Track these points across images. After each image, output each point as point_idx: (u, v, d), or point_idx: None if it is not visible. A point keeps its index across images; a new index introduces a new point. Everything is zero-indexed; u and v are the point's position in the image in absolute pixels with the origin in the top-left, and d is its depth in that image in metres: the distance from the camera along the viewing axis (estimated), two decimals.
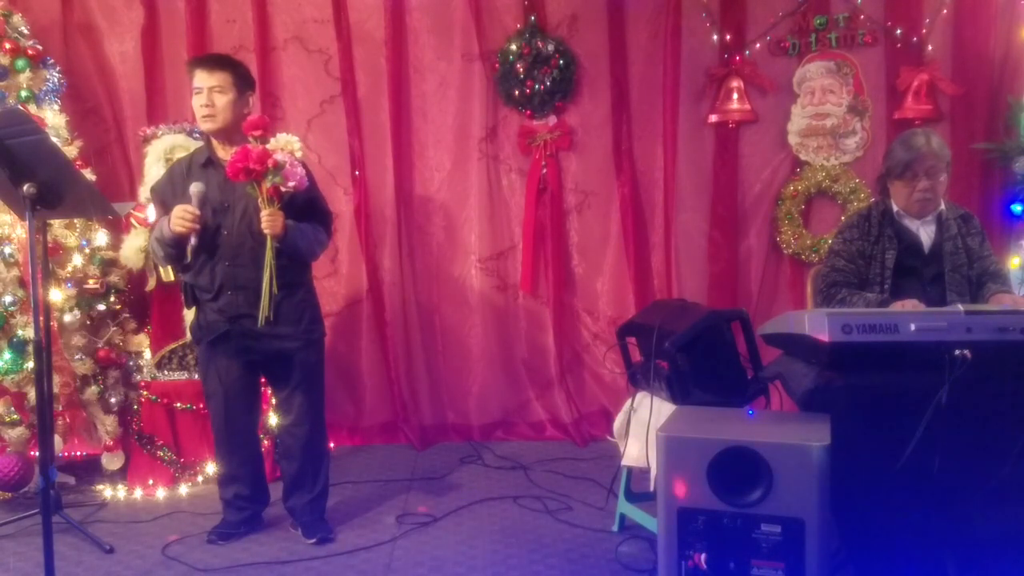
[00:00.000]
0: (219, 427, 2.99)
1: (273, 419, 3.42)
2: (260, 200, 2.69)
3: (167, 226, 2.74)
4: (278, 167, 2.64)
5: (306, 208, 2.86)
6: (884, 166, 2.84)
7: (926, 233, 2.81)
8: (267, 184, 2.65)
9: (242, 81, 2.88)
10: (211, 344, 2.89)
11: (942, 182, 2.75)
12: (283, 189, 2.68)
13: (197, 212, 2.72)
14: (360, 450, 4.17)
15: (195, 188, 2.75)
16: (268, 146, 2.67)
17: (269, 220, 2.69)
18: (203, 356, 2.96)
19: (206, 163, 2.86)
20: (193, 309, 2.95)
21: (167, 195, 2.86)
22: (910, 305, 2.52)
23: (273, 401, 3.21)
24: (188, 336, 3.61)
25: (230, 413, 2.95)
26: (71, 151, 3.60)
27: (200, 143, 3.62)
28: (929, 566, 2.22)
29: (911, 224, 2.82)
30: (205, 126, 2.83)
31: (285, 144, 2.70)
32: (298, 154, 2.74)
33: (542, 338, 4.34)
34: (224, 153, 2.83)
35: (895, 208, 2.83)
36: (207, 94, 2.80)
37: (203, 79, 2.82)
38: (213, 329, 2.86)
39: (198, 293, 2.89)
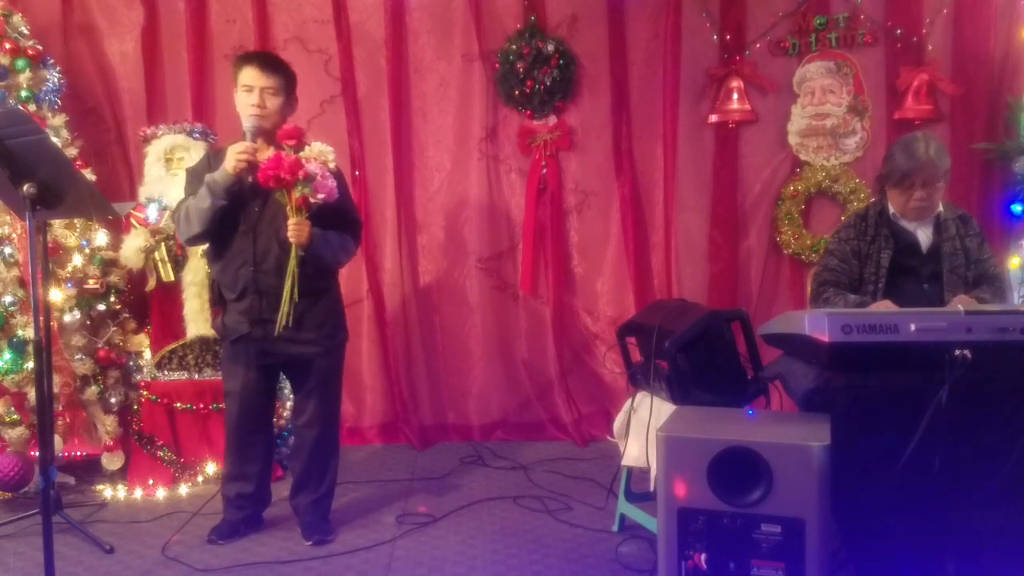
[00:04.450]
0: (233, 425, 2.98)
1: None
2: (288, 208, 2.69)
3: (219, 174, 2.71)
4: (309, 178, 2.64)
5: (335, 216, 2.84)
6: (883, 169, 2.83)
7: (924, 233, 2.81)
8: (297, 194, 2.65)
9: (291, 85, 2.90)
10: (233, 344, 2.90)
11: (939, 188, 2.75)
12: (312, 200, 2.68)
13: (254, 145, 2.73)
14: (360, 450, 4.17)
15: (249, 123, 2.76)
16: (302, 154, 2.66)
17: (295, 229, 2.69)
18: (226, 354, 2.97)
19: None
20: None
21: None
22: (883, 307, 2.53)
23: (289, 403, 3.22)
24: (188, 336, 3.62)
25: (245, 412, 2.94)
26: (71, 151, 3.60)
27: (199, 143, 3.64)
28: (929, 566, 2.22)
29: (908, 225, 2.82)
30: (250, 124, 2.80)
31: (319, 154, 2.70)
32: (331, 164, 2.74)
33: (542, 338, 4.34)
34: (259, 155, 2.79)
35: (891, 210, 2.83)
36: (259, 94, 2.80)
37: (255, 78, 2.80)
38: (235, 330, 2.87)
39: (224, 291, 2.89)
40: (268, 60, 2.89)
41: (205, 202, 2.73)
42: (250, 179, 2.74)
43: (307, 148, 2.70)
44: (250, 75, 2.81)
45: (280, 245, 2.79)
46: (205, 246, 2.97)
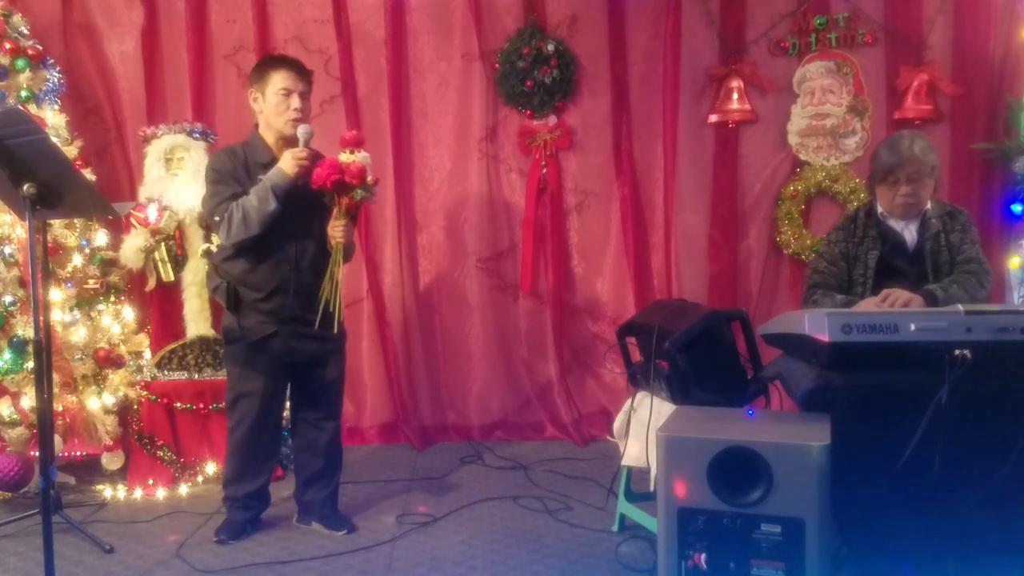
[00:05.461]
0: (248, 426, 2.95)
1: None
2: (337, 211, 2.76)
3: (280, 178, 2.74)
4: (375, 183, 2.77)
5: None
6: (871, 168, 2.85)
7: (910, 233, 2.81)
8: (357, 197, 2.72)
9: None
10: (252, 346, 2.88)
11: (926, 185, 2.74)
12: (365, 204, 2.78)
13: (311, 151, 2.79)
14: (360, 450, 4.16)
15: (303, 130, 2.79)
16: (343, 159, 2.71)
17: (344, 230, 2.78)
18: (239, 356, 2.92)
19: (268, 163, 2.84)
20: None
21: (241, 176, 2.82)
22: (867, 305, 2.54)
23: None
24: (188, 336, 3.61)
25: (264, 413, 2.95)
26: (71, 151, 3.60)
27: (199, 143, 3.64)
28: (929, 566, 2.22)
29: (896, 224, 2.82)
30: (290, 130, 2.82)
31: (363, 160, 2.74)
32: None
33: (542, 338, 4.34)
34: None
35: (879, 209, 2.83)
36: (299, 98, 2.84)
37: (293, 82, 2.84)
38: (258, 331, 2.87)
39: (244, 293, 2.87)
40: (300, 64, 2.92)
41: (270, 205, 2.74)
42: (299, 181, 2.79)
43: (344, 155, 2.73)
44: (289, 78, 2.83)
45: (316, 244, 2.87)
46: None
